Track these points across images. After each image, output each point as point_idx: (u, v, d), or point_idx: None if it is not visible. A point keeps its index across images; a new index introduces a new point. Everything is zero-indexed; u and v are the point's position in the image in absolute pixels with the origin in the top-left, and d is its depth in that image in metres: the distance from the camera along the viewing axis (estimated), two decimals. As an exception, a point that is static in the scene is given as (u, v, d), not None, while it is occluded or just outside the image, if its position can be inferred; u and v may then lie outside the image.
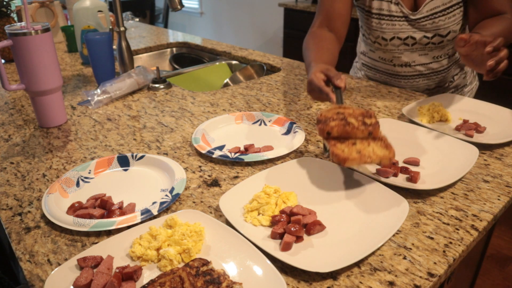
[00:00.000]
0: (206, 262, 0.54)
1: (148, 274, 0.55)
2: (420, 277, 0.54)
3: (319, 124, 0.72)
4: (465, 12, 1.07)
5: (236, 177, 0.77)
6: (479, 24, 1.00)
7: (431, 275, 0.54)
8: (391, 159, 0.67)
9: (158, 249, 0.57)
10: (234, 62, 1.63)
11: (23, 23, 0.91)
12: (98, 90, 1.13)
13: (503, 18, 0.99)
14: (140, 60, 1.76)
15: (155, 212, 0.65)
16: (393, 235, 0.61)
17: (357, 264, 0.56)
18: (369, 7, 1.10)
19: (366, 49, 1.24)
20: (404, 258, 0.57)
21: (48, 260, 0.58)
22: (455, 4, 1.03)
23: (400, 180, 0.72)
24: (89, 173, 0.78)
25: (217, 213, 0.67)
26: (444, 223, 0.63)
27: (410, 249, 0.58)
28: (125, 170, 0.80)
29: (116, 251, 0.57)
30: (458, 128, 0.90)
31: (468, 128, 0.88)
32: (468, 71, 1.23)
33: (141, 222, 0.64)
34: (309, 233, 0.60)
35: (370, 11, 1.10)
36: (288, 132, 0.94)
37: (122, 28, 1.25)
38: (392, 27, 1.09)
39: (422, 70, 1.15)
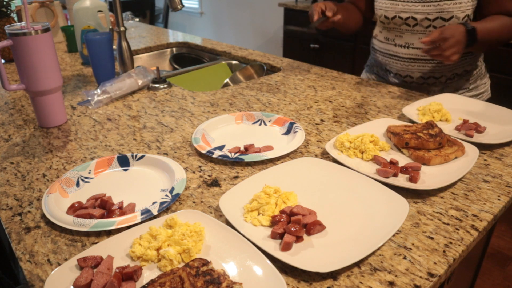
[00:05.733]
0: (206, 262, 0.54)
1: (148, 274, 0.55)
2: (420, 277, 0.54)
3: (396, 136, 0.83)
4: (477, 7, 1.09)
5: (236, 177, 0.77)
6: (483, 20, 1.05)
7: (431, 275, 0.54)
8: (463, 150, 0.79)
9: (158, 249, 0.57)
10: (234, 62, 1.63)
11: (23, 23, 0.91)
12: (98, 90, 1.13)
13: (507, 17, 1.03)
14: (140, 60, 1.76)
15: (155, 212, 0.65)
16: (393, 235, 0.61)
17: (357, 264, 0.56)
18: None
19: (377, 31, 1.29)
20: (404, 258, 0.57)
21: (48, 260, 0.58)
22: None
23: (400, 180, 0.72)
24: (89, 173, 0.78)
25: (217, 213, 0.67)
26: (444, 223, 0.63)
27: (410, 249, 0.58)
28: (125, 170, 0.80)
29: (116, 251, 0.57)
30: (458, 128, 0.90)
31: (468, 128, 0.88)
32: (474, 75, 1.22)
33: (141, 222, 0.64)
34: (309, 233, 0.60)
35: None
36: (288, 132, 0.94)
37: (122, 28, 1.25)
38: (395, 6, 1.14)
39: (418, 54, 1.17)
